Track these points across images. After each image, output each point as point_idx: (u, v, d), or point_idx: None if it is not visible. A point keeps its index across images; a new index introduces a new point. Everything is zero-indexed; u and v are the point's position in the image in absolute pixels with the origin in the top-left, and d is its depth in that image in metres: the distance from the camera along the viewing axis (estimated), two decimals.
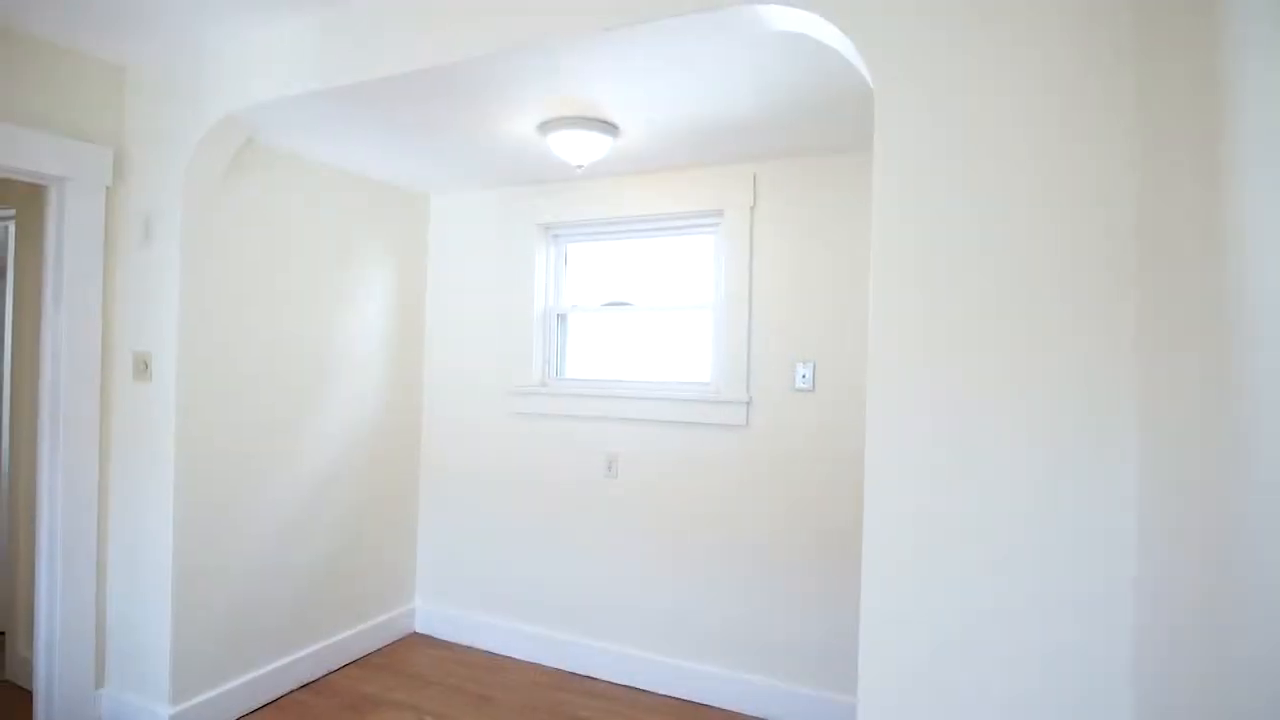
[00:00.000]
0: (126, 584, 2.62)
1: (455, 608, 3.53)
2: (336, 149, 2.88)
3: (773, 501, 2.86)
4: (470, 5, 1.96)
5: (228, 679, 2.71)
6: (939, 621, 1.47)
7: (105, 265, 2.61)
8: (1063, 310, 1.39)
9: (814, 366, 2.81)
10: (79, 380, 2.54)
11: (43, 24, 2.27)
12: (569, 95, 2.25)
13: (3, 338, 3.40)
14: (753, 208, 2.92)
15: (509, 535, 3.40)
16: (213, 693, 2.65)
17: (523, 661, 3.30)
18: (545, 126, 2.52)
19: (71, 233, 2.49)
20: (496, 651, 3.39)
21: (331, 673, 3.13)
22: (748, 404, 2.90)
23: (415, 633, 3.61)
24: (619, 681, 3.10)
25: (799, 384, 2.82)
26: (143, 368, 2.57)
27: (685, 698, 2.97)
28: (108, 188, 2.59)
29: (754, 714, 2.84)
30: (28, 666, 2.80)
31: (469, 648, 3.44)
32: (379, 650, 3.38)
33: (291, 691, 2.95)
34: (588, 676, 3.16)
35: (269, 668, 2.87)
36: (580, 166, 2.68)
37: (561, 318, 3.47)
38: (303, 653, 3.01)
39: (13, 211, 3.06)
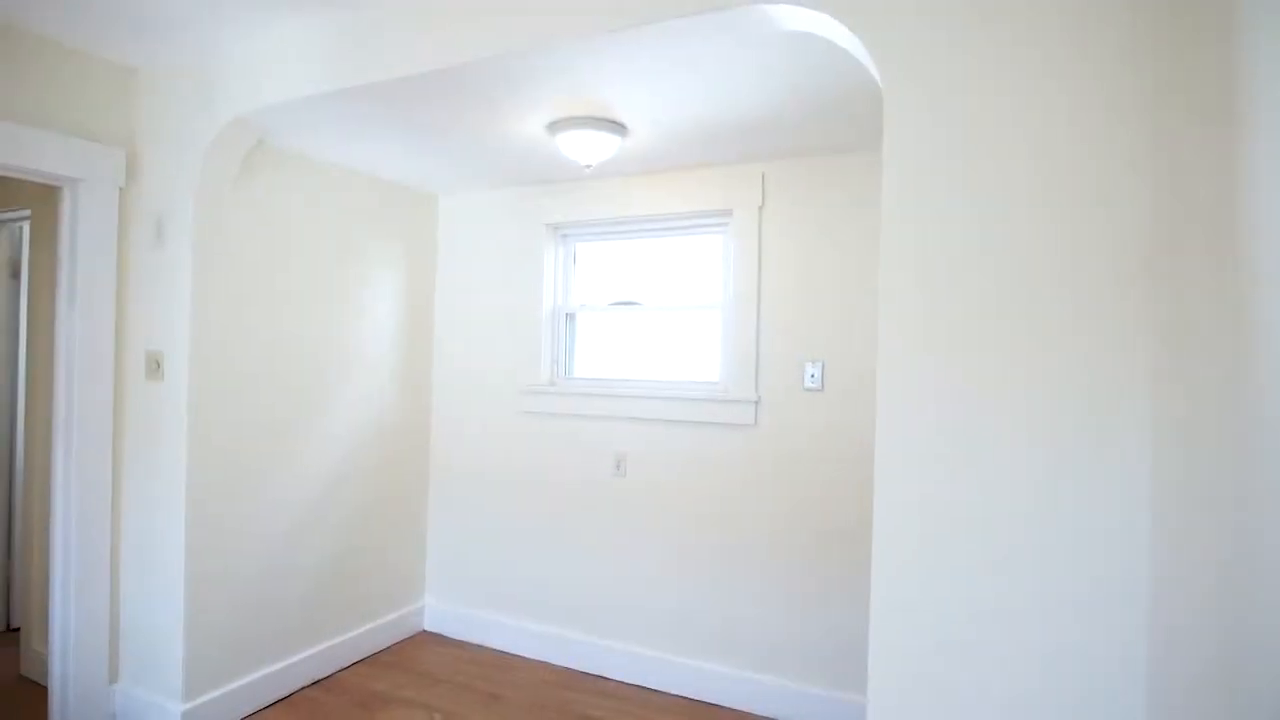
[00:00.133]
0: (139, 581, 2.64)
1: (464, 606, 3.54)
2: (345, 150, 2.89)
3: (781, 501, 2.86)
4: (479, 7, 1.96)
5: (239, 676, 2.73)
6: (945, 611, 1.46)
7: (118, 265, 2.63)
8: (1071, 309, 1.38)
9: (823, 366, 2.80)
10: (92, 379, 2.56)
11: (57, 27, 2.29)
12: (578, 95, 2.25)
13: (17, 337, 3.44)
14: (761, 207, 2.92)
15: (518, 534, 3.41)
16: (224, 689, 2.67)
17: (531, 660, 3.31)
18: (554, 127, 2.52)
19: (85, 233, 2.52)
20: (505, 650, 3.40)
21: (341, 670, 3.15)
22: (756, 403, 2.90)
23: (424, 631, 3.62)
24: (628, 680, 3.11)
25: (808, 383, 2.82)
26: (155, 367, 2.60)
27: (694, 697, 2.97)
28: (120, 188, 2.61)
29: (763, 714, 2.84)
30: (43, 662, 2.83)
31: (478, 646, 3.45)
32: (388, 648, 3.40)
33: (302, 688, 2.97)
34: (597, 675, 3.17)
35: (279, 665, 2.89)
36: (589, 166, 2.68)
37: (570, 317, 3.47)
38: (313, 650, 3.03)
39: (28, 212, 3.10)
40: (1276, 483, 0.92)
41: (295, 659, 2.95)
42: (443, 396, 3.66)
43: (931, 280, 1.49)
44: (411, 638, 3.54)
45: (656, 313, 3.29)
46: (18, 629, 3.37)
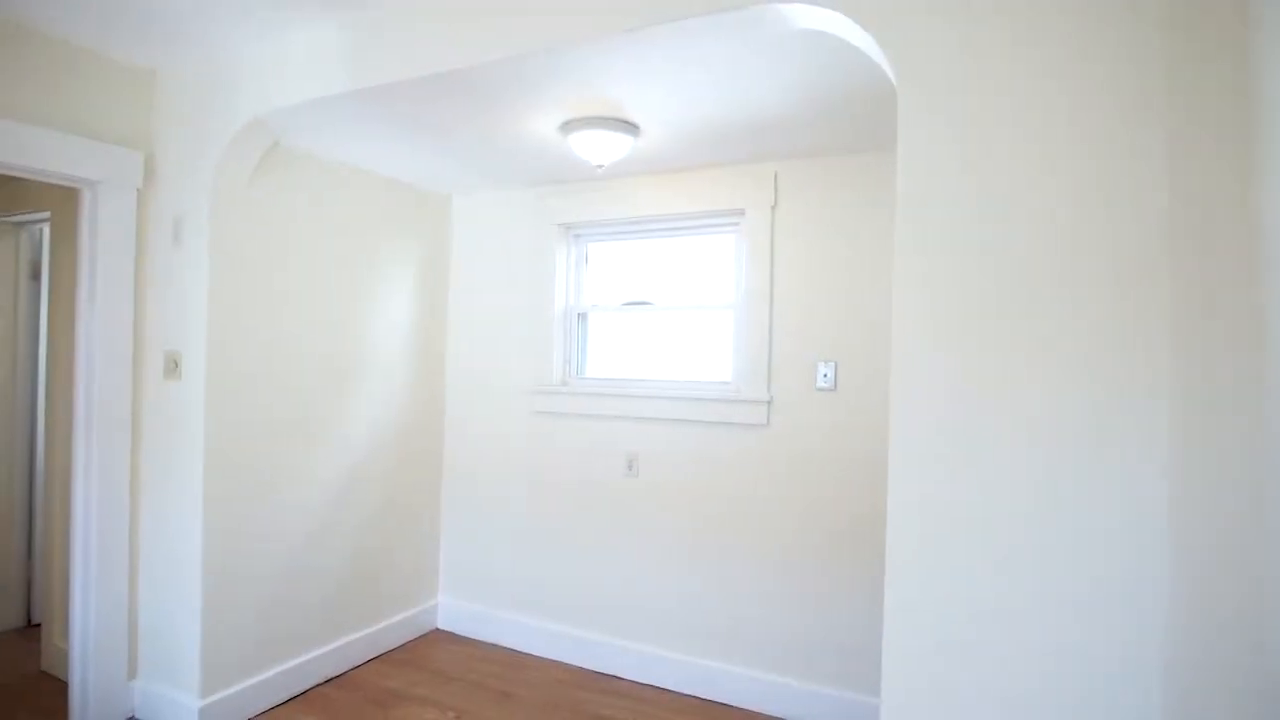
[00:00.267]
0: (158, 578, 2.68)
1: (477, 604, 3.56)
2: (360, 151, 2.91)
3: (794, 501, 2.85)
4: (493, 8, 1.97)
5: (256, 672, 2.76)
6: (962, 610, 1.46)
7: (136, 266, 2.66)
8: (1087, 309, 1.37)
9: (836, 366, 2.79)
10: (112, 379, 2.59)
11: (77, 31, 2.32)
12: (590, 95, 2.26)
13: (38, 337, 3.49)
14: (774, 207, 2.91)
15: (530, 533, 3.43)
16: (241, 685, 2.70)
17: (544, 659, 3.32)
18: (567, 127, 2.53)
19: (104, 234, 2.55)
20: (518, 648, 3.41)
21: (355, 668, 3.18)
22: (769, 403, 2.89)
23: (437, 629, 3.64)
24: (640, 680, 3.11)
25: (820, 384, 2.81)
26: (173, 366, 2.63)
27: (706, 697, 2.97)
28: (139, 190, 2.64)
29: (775, 714, 2.84)
30: (63, 658, 2.87)
31: (491, 644, 3.47)
32: (402, 646, 3.42)
33: (317, 685, 2.99)
34: (608, 675, 3.17)
35: (295, 662, 2.91)
36: (601, 166, 2.68)
37: (582, 317, 3.48)
38: (328, 648, 3.06)
39: (48, 214, 3.14)
40: None
41: (310, 656, 2.98)
42: (455, 396, 3.67)
43: (946, 279, 1.49)
44: (424, 636, 3.56)
45: (668, 313, 3.29)
46: (39, 625, 3.42)
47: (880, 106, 2.28)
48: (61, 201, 2.96)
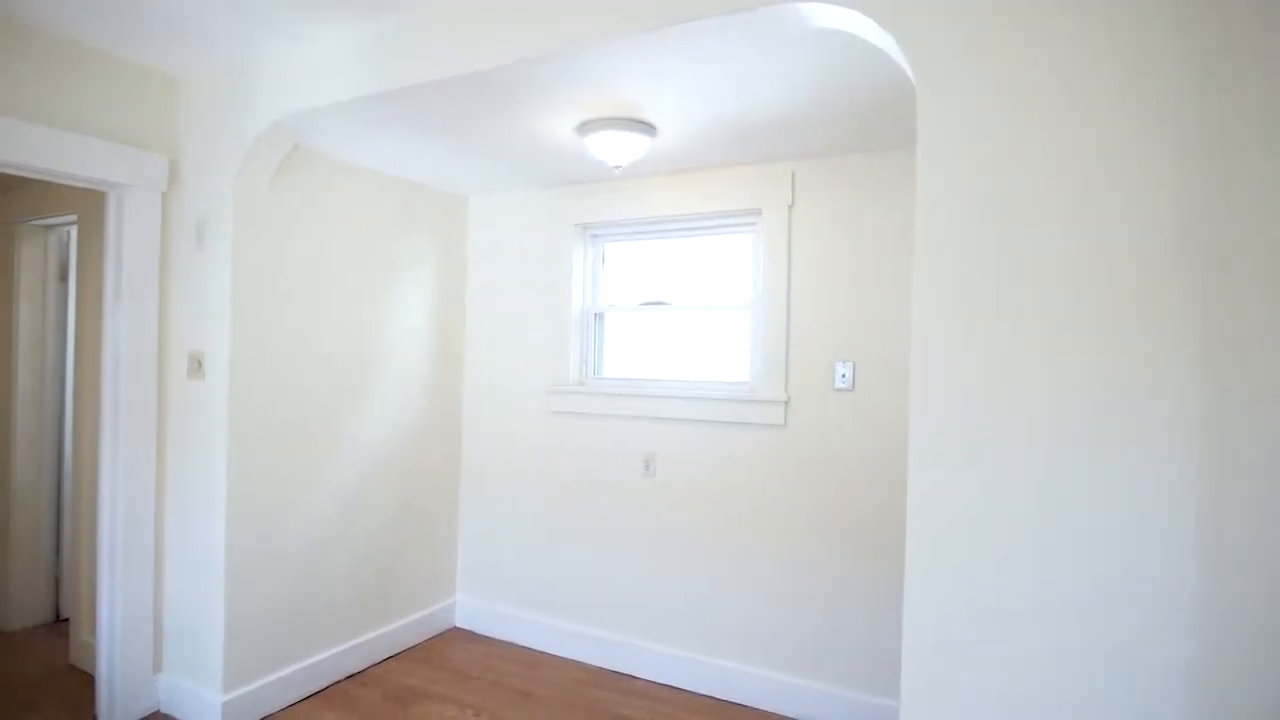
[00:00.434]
0: (182, 575, 2.72)
1: (495, 603, 3.58)
2: (378, 153, 2.94)
3: (811, 501, 2.84)
4: (510, 9, 1.98)
5: (277, 668, 2.80)
6: (988, 609, 1.45)
7: (161, 267, 2.70)
8: (1107, 308, 1.36)
9: (854, 366, 2.78)
10: (137, 379, 2.64)
11: (104, 37, 2.36)
12: (607, 96, 2.26)
13: (66, 337, 3.56)
14: (791, 206, 2.90)
15: (547, 532, 3.44)
16: (263, 681, 2.74)
17: (561, 658, 3.33)
18: (583, 128, 2.53)
19: (130, 237, 2.59)
20: (535, 647, 3.43)
21: (375, 665, 3.21)
22: (786, 403, 2.88)
23: (455, 627, 3.67)
24: (656, 680, 3.11)
25: (838, 383, 2.79)
26: (196, 366, 2.67)
27: (722, 697, 2.97)
28: (163, 193, 2.69)
29: (789, 714, 2.83)
30: (91, 652, 2.92)
31: (508, 643, 3.49)
32: (420, 644, 3.45)
33: (337, 682, 3.02)
34: (625, 674, 3.18)
35: (316, 658, 2.95)
36: (618, 167, 2.69)
37: (599, 317, 3.49)
38: (348, 645, 3.09)
39: (75, 216, 3.20)
40: None
41: (331, 653, 3.01)
42: (472, 396, 3.70)
43: (966, 279, 1.47)
44: (442, 634, 3.58)
45: (685, 313, 3.29)
46: (67, 619, 3.49)
47: (898, 105, 2.26)
48: (88, 205, 3.01)
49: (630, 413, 3.22)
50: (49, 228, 3.50)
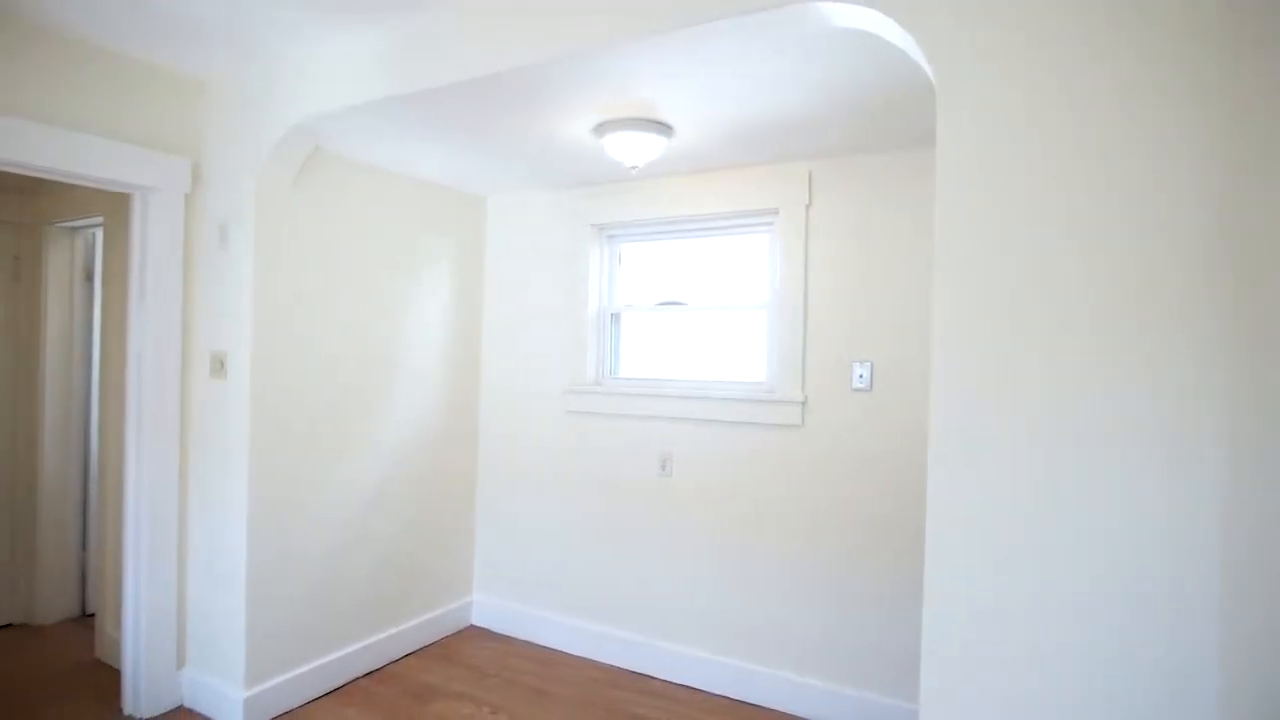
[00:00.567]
0: (205, 571, 2.76)
1: (512, 602, 3.60)
2: (397, 154, 2.96)
3: (828, 502, 2.83)
4: (529, 11, 1.99)
5: (297, 665, 2.83)
6: (1005, 609, 1.44)
7: (184, 268, 2.74)
8: (1130, 308, 1.34)
9: (871, 366, 2.76)
10: (161, 378, 2.68)
11: (129, 42, 2.40)
12: (624, 97, 2.27)
13: (92, 337, 3.62)
14: (808, 206, 2.89)
15: (564, 532, 3.45)
16: (284, 677, 2.77)
17: (578, 657, 3.34)
18: (601, 128, 2.54)
19: (154, 238, 2.63)
20: (552, 646, 3.44)
21: (393, 662, 3.24)
22: (803, 404, 2.88)
23: (472, 625, 3.69)
24: (673, 680, 3.12)
25: (856, 384, 2.78)
26: (219, 366, 2.70)
27: (737, 697, 2.97)
28: (187, 195, 2.73)
29: (805, 715, 2.82)
30: (116, 647, 2.97)
31: (525, 642, 3.51)
32: (438, 642, 3.48)
33: (356, 679, 3.05)
34: (641, 674, 3.18)
35: (335, 655, 2.98)
36: (635, 167, 2.69)
37: (615, 317, 3.49)
38: (366, 642, 3.12)
39: (101, 218, 3.25)
40: None
41: (350, 650, 3.04)
42: (490, 395, 3.72)
43: (986, 279, 1.46)
44: (459, 632, 3.61)
45: (702, 312, 3.28)
46: (93, 615, 3.55)
47: (916, 104, 2.25)
48: (114, 207, 3.06)
49: (646, 413, 3.22)
50: (75, 230, 3.56)
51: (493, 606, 3.65)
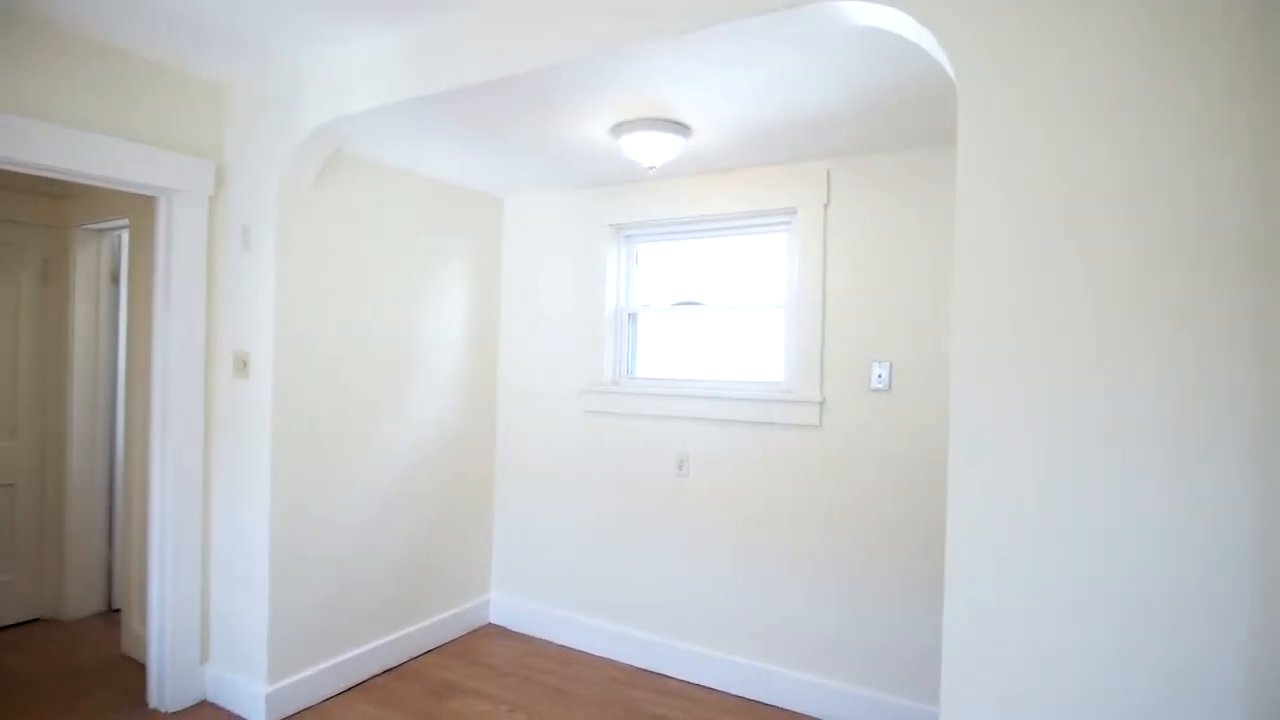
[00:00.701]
0: (227, 568, 2.80)
1: (529, 601, 3.62)
2: (416, 156, 2.99)
3: (846, 502, 2.81)
4: (549, 13, 2.00)
5: (318, 661, 2.86)
6: (1036, 618, 1.42)
7: (208, 270, 2.78)
8: (1153, 308, 1.32)
9: (890, 366, 2.74)
10: (185, 377, 2.72)
11: (156, 47, 2.44)
12: (642, 98, 2.27)
13: (117, 337, 3.68)
14: (826, 205, 2.88)
15: (581, 531, 3.46)
16: (305, 673, 2.80)
17: (597, 656, 3.35)
18: (618, 129, 2.54)
19: (178, 240, 2.67)
20: (570, 645, 3.45)
21: (412, 659, 3.26)
22: (821, 404, 2.86)
23: (490, 623, 3.71)
24: (690, 680, 3.12)
25: (875, 384, 2.76)
26: (241, 366, 2.74)
27: (755, 698, 2.96)
28: (210, 197, 2.76)
29: (821, 716, 2.81)
30: (141, 642, 3.02)
31: (543, 641, 3.52)
32: (456, 640, 3.50)
33: (375, 676, 3.08)
34: (659, 673, 3.18)
35: (355, 652, 3.01)
36: (652, 167, 2.69)
37: (632, 317, 3.50)
38: (386, 639, 3.15)
39: (126, 221, 3.31)
40: None
41: (370, 647, 3.07)
42: (507, 395, 3.73)
43: (1008, 277, 1.45)
44: (477, 630, 3.63)
45: (719, 312, 3.28)
46: (119, 610, 3.62)
47: (935, 103, 2.23)
48: (139, 209, 3.11)
49: (663, 413, 3.23)
50: (102, 232, 3.62)
51: (510, 605, 3.67)
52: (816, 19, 1.70)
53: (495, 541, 3.75)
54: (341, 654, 2.96)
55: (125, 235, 3.59)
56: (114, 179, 2.47)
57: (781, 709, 2.89)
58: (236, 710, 2.73)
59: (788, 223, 3.04)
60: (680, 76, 2.09)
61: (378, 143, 2.80)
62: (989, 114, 1.47)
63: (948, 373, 2.63)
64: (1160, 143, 1.32)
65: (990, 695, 1.44)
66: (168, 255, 2.68)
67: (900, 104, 2.27)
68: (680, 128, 2.51)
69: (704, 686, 3.08)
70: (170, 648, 2.72)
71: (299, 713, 2.77)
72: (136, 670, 3.00)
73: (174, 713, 2.73)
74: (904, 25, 1.61)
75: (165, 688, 2.71)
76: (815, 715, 2.83)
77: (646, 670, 3.22)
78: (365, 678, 3.04)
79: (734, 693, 3.01)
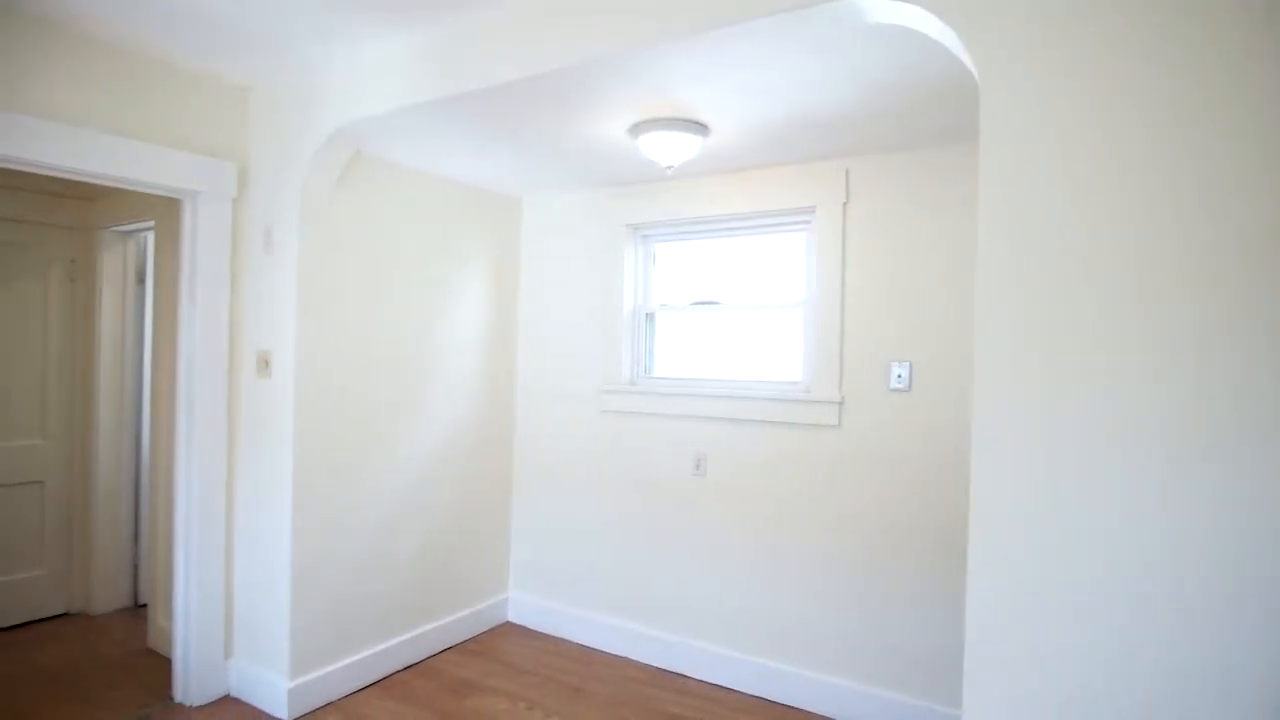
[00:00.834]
0: (251, 566, 2.83)
1: (547, 600, 3.63)
2: (434, 157, 3.01)
3: (864, 503, 2.79)
4: (568, 13, 2.00)
5: (339, 657, 2.89)
6: (1064, 619, 1.41)
7: (231, 270, 2.82)
8: (1177, 309, 1.30)
9: (910, 366, 2.72)
10: (209, 376, 2.76)
11: (181, 51, 2.48)
12: (660, 97, 2.27)
13: (143, 336, 3.74)
14: (845, 204, 2.86)
15: (598, 531, 3.47)
16: (327, 669, 2.84)
17: (615, 656, 3.36)
18: (636, 129, 2.54)
19: (203, 241, 2.71)
20: (588, 644, 3.46)
21: (431, 656, 3.29)
22: (839, 404, 2.85)
23: (508, 622, 3.73)
24: (708, 679, 3.11)
25: (894, 384, 2.74)
26: (264, 365, 2.77)
27: (772, 698, 2.95)
28: (233, 199, 2.80)
29: (838, 717, 2.80)
30: (167, 637, 3.07)
31: (561, 639, 3.53)
32: (474, 638, 3.52)
33: (395, 672, 3.11)
34: (677, 673, 3.19)
35: (376, 649, 3.04)
36: (670, 167, 2.69)
37: (650, 317, 3.50)
38: (405, 636, 3.18)
39: (152, 222, 3.36)
40: None
41: (389, 644, 3.10)
42: (525, 394, 3.75)
43: (1031, 277, 1.43)
44: (495, 629, 3.65)
45: (737, 312, 3.27)
46: (145, 605, 3.68)
47: (955, 100, 2.21)
48: (164, 211, 3.16)
49: (681, 412, 3.22)
50: (128, 233, 3.68)
51: (528, 604, 3.68)
52: (834, 17, 1.69)
53: (513, 540, 3.77)
54: (362, 650, 2.99)
55: (151, 236, 3.65)
56: (140, 182, 2.51)
57: (800, 709, 2.88)
58: (260, 705, 2.77)
59: (806, 222, 3.03)
60: (699, 76, 2.09)
61: (397, 144, 2.82)
62: (1012, 111, 1.46)
63: (970, 373, 2.60)
64: (1164, 143, 1.30)
65: (1011, 693, 1.43)
66: (192, 256, 2.72)
67: (922, 101, 2.25)
68: (699, 127, 2.50)
69: (722, 686, 3.07)
70: (195, 643, 2.76)
71: (321, 708, 2.80)
72: (162, 664, 3.05)
73: (199, 706, 2.77)
74: (926, 23, 1.60)
75: (190, 682, 2.76)
76: (833, 716, 2.82)
77: (665, 670, 3.22)
78: (385, 674, 3.07)
79: (752, 693, 3.01)
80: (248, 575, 2.84)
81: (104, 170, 2.39)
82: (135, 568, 3.77)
